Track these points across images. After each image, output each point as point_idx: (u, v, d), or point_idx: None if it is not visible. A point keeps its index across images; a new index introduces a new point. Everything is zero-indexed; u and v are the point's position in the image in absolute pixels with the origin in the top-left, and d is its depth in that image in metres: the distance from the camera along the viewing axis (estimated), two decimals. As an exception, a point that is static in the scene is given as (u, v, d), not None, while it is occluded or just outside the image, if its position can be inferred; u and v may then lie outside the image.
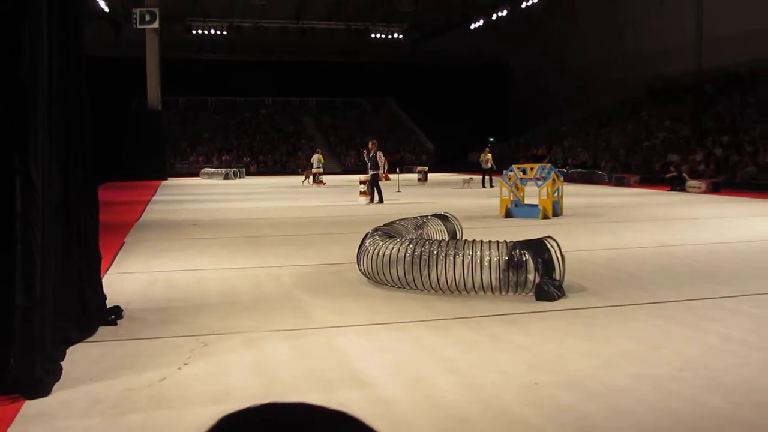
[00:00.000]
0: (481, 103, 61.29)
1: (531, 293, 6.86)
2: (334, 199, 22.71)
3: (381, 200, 19.36)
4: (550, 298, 6.74)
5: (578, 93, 51.98)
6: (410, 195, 24.67)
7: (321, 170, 32.47)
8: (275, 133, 58.49)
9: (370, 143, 19.99)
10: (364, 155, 20.27)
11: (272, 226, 14.15)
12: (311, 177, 32.36)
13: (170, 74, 50.79)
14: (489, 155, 27.74)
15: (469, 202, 20.23)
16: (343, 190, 29.38)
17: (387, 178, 36.99)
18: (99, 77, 35.58)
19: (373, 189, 19.46)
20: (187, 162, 51.64)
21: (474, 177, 30.28)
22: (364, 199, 20.59)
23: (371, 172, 19.47)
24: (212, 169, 43.58)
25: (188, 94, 59.25)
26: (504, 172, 16.87)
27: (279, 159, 53.77)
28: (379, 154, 19.43)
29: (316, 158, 32.77)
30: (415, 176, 35.27)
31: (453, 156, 54.82)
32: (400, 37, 56.35)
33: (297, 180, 39.75)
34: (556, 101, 54.92)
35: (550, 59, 56.59)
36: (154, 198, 24.22)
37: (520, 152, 51.03)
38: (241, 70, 59.38)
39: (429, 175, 34.86)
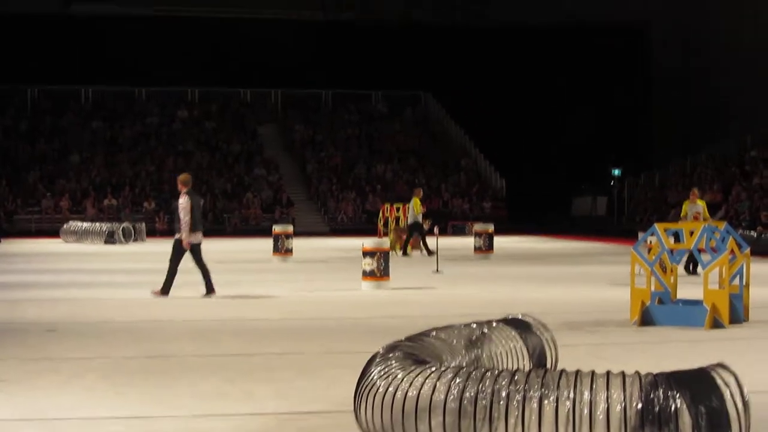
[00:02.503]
0: (597, 105, 61.58)
1: (686, 475, 6.79)
2: (314, 284, 22.70)
3: (210, 290, 19.35)
4: (724, 484, 6.67)
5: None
6: (460, 278, 24.64)
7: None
8: (205, 155, 59.05)
9: (179, 180, 19.68)
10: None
11: (195, 336, 14.18)
12: (404, 239, 33.84)
13: (10, 41, 51.65)
14: (701, 204, 26.29)
15: (571, 295, 20.17)
16: (332, 266, 29.43)
17: (415, 246, 37.20)
18: None
19: (171, 273, 19.35)
20: (39, 208, 52.07)
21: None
22: (369, 285, 20.69)
23: (176, 235, 19.34)
24: (85, 224, 43.88)
25: (43, 81, 59.98)
26: (640, 237, 16.84)
27: (211, 207, 54.18)
28: (183, 202, 18.99)
29: (413, 206, 33.33)
30: (470, 241, 35.33)
31: (541, 203, 54.91)
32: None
33: (243, 247, 39.85)
34: (738, 103, 55.09)
35: (727, 26, 56.93)
36: (-25, 278, 24.34)
37: (669, 197, 50.93)
38: (143, 36, 60.16)
39: (497, 239, 34.94)
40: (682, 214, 25.54)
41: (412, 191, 35.25)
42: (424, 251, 33.12)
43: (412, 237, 33.11)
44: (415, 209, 33.00)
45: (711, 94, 57.43)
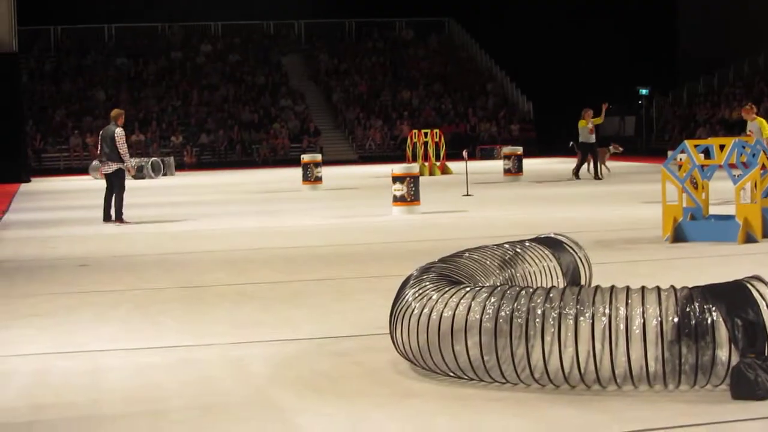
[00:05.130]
0: (623, 24, 60.92)
1: (723, 385, 6.81)
2: (344, 211, 22.74)
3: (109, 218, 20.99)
4: (761, 394, 6.67)
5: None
6: (490, 201, 24.63)
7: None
8: (230, 87, 58.92)
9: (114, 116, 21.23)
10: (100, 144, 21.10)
11: (228, 266, 14.25)
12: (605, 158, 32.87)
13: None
14: (758, 122, 22.93)
15: (602, 214, 20.12)
16: (362, 193, 29.44)
17: (444, 170, 37.15)
18: None
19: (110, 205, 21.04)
20: (67, 147, 52.20)
21: None
22: (400, 210, 20.74)
23: (109, 167, 20.88)
24: (114, 161, 43.99)
25: (68, 21, 60.02)
26: (670, 154, 16.74)
27: (238, 139, 54.15)
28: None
29: (579, 127, 32.18)
30: (499, 164, 35.26)
31: (568, 124, 54.55)
32: None
33: (272, 177, 39.91)
34: (766, 18, 54.39)
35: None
36: (7, 217, 24.47)
37: (699, 115, 50.67)
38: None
39: (526, 161, 34.83)
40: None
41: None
42: (603, 171, 32.22)
43: (599, 156, 31.95)
44: (580, 126, 31.79)
45: (739, 9, 56.66)
